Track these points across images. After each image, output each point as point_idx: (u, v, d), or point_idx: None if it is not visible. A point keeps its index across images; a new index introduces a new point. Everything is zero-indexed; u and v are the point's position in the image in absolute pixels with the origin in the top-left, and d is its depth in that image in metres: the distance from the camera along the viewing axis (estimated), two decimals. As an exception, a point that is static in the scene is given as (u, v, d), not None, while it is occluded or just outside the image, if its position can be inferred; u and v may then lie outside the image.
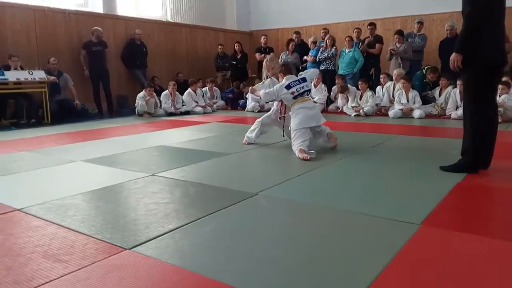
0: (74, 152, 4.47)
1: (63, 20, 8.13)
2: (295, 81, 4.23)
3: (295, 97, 4.18)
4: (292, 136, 4.15)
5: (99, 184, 3.11)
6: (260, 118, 4.77)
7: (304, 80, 4.28)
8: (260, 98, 4.53)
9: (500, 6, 3.13)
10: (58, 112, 7.42)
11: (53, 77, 7.35)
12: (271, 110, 4.77)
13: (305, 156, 3.80)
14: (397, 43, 8.28)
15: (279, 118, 4.53)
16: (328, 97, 8.53)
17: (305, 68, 8.82)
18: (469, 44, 3.06)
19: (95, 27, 8.23)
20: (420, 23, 8.52)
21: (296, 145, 3.99)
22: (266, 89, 4.34)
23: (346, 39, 8.57)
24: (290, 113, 4.28)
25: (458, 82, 6.67)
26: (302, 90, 4.20)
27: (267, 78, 4.74)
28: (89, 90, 8.32)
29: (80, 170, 3.69)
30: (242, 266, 1.79)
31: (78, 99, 7.85)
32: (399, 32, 8.33)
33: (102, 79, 8.36)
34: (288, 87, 4.19)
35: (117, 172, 3.54)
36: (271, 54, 9.10)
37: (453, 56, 3.13)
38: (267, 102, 4.53)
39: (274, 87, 4.29)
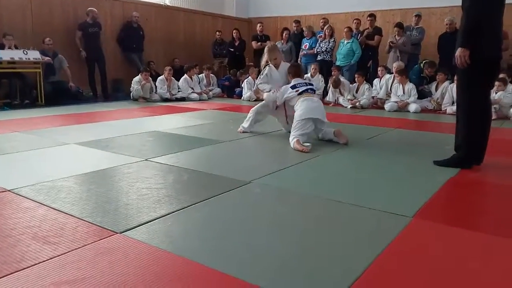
0: (68, 134, 4.43)
1: (58, 0, 7.99)
2: (301, 83, 4.39)
3: (300, 93, 4.27)
4: (292, 126, 4.14)
5: (92, 167, 3.09)
6: (254, 107, 4.76)
7: (311, 84, 4.47)
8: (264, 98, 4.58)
9: (500, 1, 3.10)
10: (52, 93, 7.33)
11: (47, 58, 7.26)
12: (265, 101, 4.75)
13: (303, 149, 3.77)
14: (396, 36, 8.25)
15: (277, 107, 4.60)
16: (325, 88, 8.50)
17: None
18: (473, 37, 3.02)
19: (90, 8, 8.10)
20: (418, 16, 8.48)
21: (293, 135, 3.98)
22: (271, 92, 4.48)
23: (345, 29, 8.52)
24: (294, 107, 4.29)
25: (456, 78, 6.66)
26: (307, 87, 4.33)
27: (265, 64, 4.71)
28: (84, 73, 8.23)
29: (73, 153, 3.66)
30: (233, 253, 1.79)
31: (73, 81, 7.77)
32: (399, 25, 8.29)
33: (98, 62, 8.26)
34: (293, 87, 4.34)
35: (110, 156, 3.52)
36: (276, 42, 9.04)
37: (459, 52, 3.04)
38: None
39: (282, 88, 4.40)
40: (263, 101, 4.73)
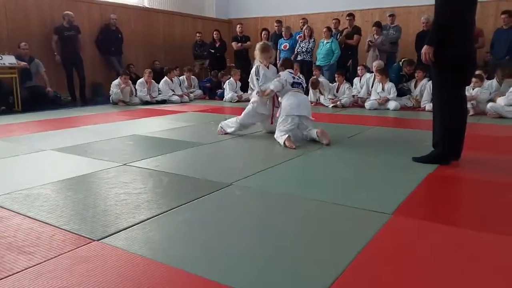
0: (45, 140, 4.34)
1: (35, 3, 7.84)
2: (295, 76, 4.52)
3: (292, 85, 4.37)
4: (278, 120, 4.18)
5: (69, 173, 3.03)
6: (240, 119, 4.64)
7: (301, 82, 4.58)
8: (272, 90, 4.45)
9: (471, 1, 3.14)
10: (29, 99, 7.18)
11: (24, 63, 7.10)
12: (249, 107, 4.63)
13: (293, 146, 3.84)
14: (375, 35, 8.34)
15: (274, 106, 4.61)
16: (306, 88, 8.52)
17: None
18: (439, 37, 3.08)
19: (66, 11, 7.96)
20: (392, 15, 8.61)
21: (281, 131, 4.01)
22: (275, 81, 4.45)
23: (324, 30, 8.56)
24: (282, 98, 4.37)
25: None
26: (299, 81, 4.49)
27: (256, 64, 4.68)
28: (62, 77, 8.08)
29: (50, 159, 3.58)
30: (214, 257, 1.77)
31: (51, 86, 7.62)
32: (377, 24, 8.38)
33: (76, 66, 8.12)
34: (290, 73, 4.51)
35: (89, 161, 3.45)
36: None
37: (424, 48, 3.13)
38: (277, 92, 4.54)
39: (282, 74, 4.47)
40: (248, 110, 4.61)
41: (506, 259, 1.76)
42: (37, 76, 7.54)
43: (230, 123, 4.73)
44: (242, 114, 4.68)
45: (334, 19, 9.13)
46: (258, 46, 4.73)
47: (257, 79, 4.56)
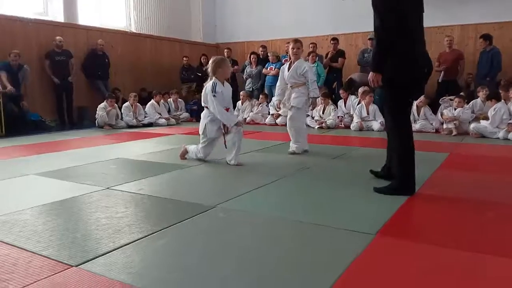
0: (28, 165, 4.28)
1: (21, 29, 7.86)
2: None
3: None
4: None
5: (51, 198, 2.97)
6: (202, 154, 4.38)
7: None
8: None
9: (416, 23, 3.00)
10: (13, 123, 7.08)
11: (11, 88, 7.06)
12: (203, 143, 4.37)
13: None
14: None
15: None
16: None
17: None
18: (383, 62, 2.98)
19: (57, 37, 8.09)
20: (372, 39, 8.80)
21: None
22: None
23: (311, 55, 8.67)
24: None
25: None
26: None
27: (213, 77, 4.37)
28: (47, 101, 8.07)
29: (31, 184, 3.52)
30: (194, 282, 1.74)
31: (36, 110, 7.61)
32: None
33: (66, 90, 8.21)
34: None
35: (71, 186, 3.40)
36: (246, 67, 9.21)
37: (370, 75, 3.04)
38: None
39: None
40: (205, 143, 4.36)
41: (491, 278, 1.77)
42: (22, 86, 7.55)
43: (195, 154, 4.46)
44: (201, 148, 4.39)
45: (311, 43, 9.10)
46: (212, 60, 4.36)
47: (214, 95, 4.18)
